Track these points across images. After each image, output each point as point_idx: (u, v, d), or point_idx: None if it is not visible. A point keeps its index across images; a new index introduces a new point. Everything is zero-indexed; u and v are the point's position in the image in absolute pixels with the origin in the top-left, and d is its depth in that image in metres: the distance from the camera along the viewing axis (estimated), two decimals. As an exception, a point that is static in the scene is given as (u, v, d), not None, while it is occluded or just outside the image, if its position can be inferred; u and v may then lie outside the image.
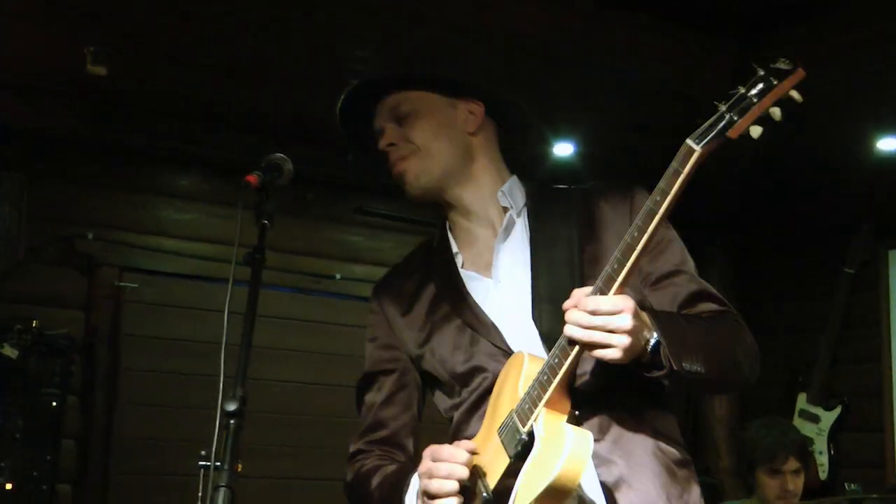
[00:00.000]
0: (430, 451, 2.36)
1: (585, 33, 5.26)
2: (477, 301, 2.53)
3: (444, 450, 2.34)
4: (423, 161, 2.57)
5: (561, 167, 6.34)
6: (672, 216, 2.11)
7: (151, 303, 6.46)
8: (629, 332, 2.14)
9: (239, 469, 2.06)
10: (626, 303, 2.15)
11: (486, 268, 2.57)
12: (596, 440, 2.27)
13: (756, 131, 2.03)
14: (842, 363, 7.05)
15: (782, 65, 2.02)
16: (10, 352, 5.65)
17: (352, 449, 2.74)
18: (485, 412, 2.46)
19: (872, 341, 6.98)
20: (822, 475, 6.82)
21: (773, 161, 6.56)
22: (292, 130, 6.16)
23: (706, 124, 2.05)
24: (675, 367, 2.18)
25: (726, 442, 7.32)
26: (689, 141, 2.06)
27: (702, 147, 2.03)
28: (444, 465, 2.31)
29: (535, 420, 2.23)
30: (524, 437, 2.24)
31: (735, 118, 2.02)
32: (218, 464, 2.06)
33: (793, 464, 4.89)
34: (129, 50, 5.28)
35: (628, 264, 2.12)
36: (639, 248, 2.11)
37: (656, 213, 2.09)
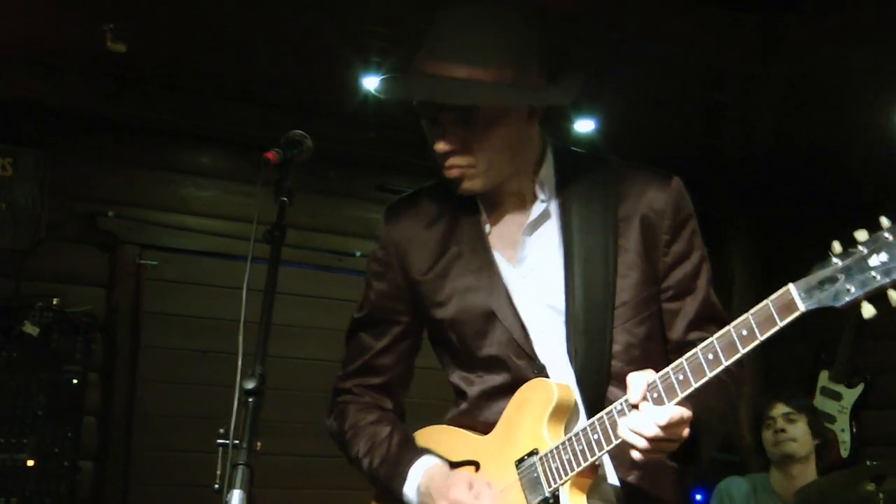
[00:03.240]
0: (477, 492, 2.36)
1: (608, 8, 5.22)
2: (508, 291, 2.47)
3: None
4: (482, 177, 2.42)
5: (582, 142, 6.31)
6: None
7: (172, 280, 6.47)
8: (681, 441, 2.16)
9: (258, 447, 2.06)
10: (687, 414, 2.13)
11: (509, 247, 2.50)
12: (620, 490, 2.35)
13: (868, 311, 1.87)
14: (863, 340, 7.00)
15: None
16: (32, 329, 5.68)
17: (339, 386, 2.70)
18: (501, 410, 2.45)
19: (894, 318, 6.93)
20: (844, 453, 6.79)
21: (795, 136, 6.52)
22: (313, 107, 6.15)
23: (816, 279, 1.91)
24: (703, 461, 2.27)
25: (748, 419, 7.29)
26: (794, 291, 1.94)
27: (807, 309, 1.93)
28: None
29: (562, 485, 2.27)
30: (548, 496, 2.29)
31: (851, 289, 1.87)
32: (237, 441, 2.05)
33: (780, 408, 5.04)
34: (149, 27, 5.28)
35: (695, 386, 2.09)
36: (710, 375, 2.07)
37: (738, 351, 2.03)
